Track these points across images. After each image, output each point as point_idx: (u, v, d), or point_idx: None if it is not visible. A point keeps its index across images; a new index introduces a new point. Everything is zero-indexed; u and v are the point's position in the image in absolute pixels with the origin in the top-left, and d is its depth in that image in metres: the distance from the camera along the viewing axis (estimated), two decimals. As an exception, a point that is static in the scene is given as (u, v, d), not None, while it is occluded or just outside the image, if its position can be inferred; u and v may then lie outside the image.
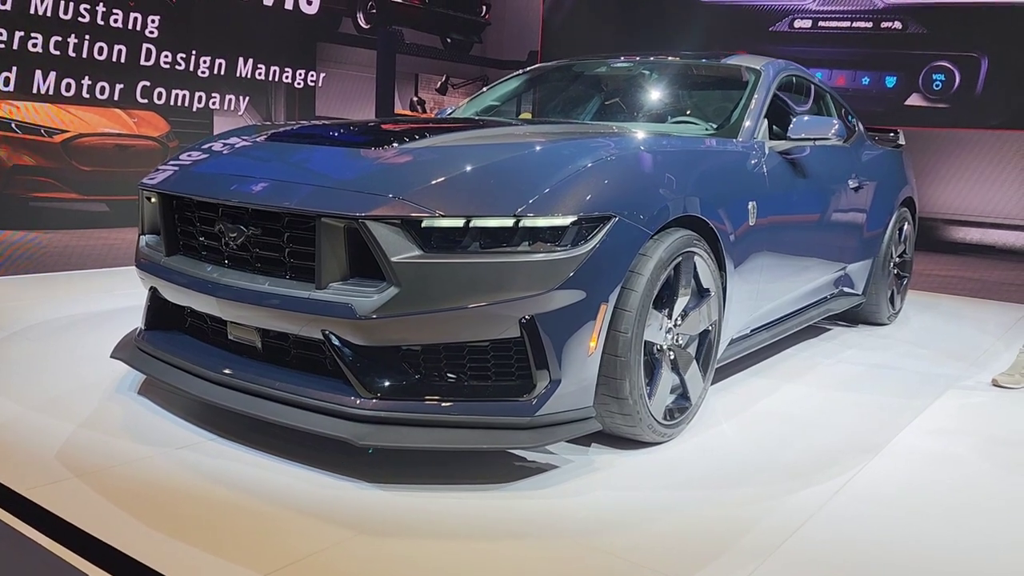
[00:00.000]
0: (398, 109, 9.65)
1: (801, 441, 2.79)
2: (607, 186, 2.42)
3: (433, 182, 2.28)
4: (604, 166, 2.48)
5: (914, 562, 2.01)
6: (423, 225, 2.18)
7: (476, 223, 2.19)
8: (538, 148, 2.61)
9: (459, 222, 2.19)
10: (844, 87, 8.50)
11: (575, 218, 2.27)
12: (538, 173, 2.36)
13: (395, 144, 2.60)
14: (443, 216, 2.18)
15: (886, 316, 4.72)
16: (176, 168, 2.79)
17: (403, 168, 2.42)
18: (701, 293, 2.76)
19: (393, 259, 2.16)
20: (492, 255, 2.20)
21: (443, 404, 2.25)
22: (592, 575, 1.87)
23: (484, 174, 2.36)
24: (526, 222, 2.21)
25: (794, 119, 3.46)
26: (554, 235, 2.25)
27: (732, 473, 2.49)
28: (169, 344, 2.68)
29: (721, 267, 2.86)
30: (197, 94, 7.00)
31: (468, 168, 2.37)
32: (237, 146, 2.84)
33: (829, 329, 4.56)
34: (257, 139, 2.87)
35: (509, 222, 2.21)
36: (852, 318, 4.70)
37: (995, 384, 3.58)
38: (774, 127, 3.61)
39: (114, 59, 6.40)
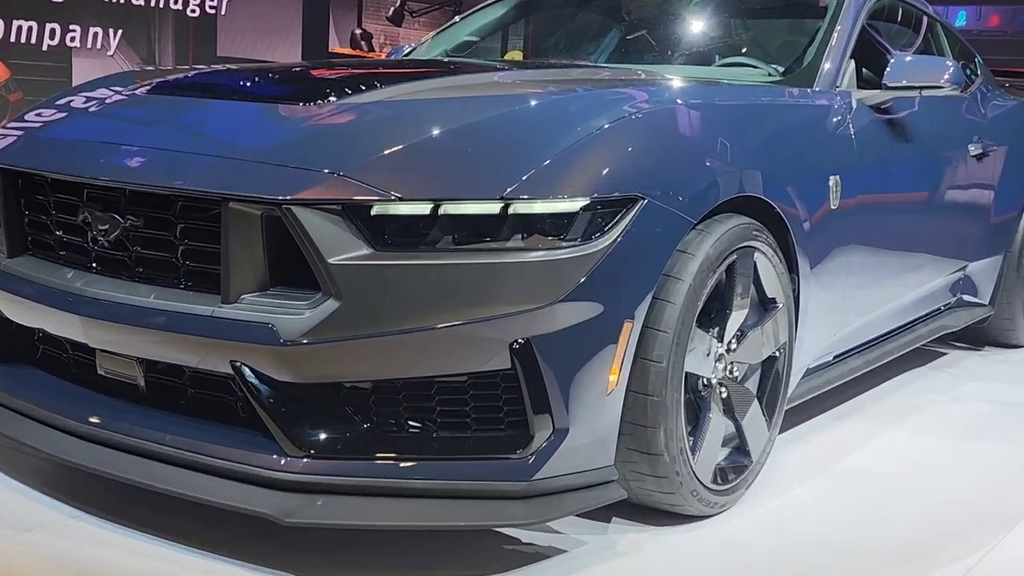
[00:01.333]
0: (334, 47, 9.69)
1: (906, 513, 2.82)
2: (632, 156, 2.45)
3: (386, 152, 2.29)
4: (628, 128, 2.50)
5: None
6: (374, 213, 2.18)
7: (448, 209, 2.20)
8: (534, 103, 2.62)
9: (424, 208, 2.19)
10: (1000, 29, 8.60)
11: (587, 201, 2.28)
12: (535, 139, 2.38)
13: (332, 97, 2.60)
14: (402, 200, 2.18)
15: (1023, 334, 4.79)
16: (21, 134, 2.78)
17: (344, 132, 2.43)
18: (764, 305, 2.78)
19: (331, 260, 2.15)
20: (471, 254, 2.21)
21: (403, 465, 2.25)
22: None
23: (459, 141, 2.37)
24: (519, 208, 2.22)
25: (892, 59, 3.50)
26: (558, 226, 2.26)
27: (810, 560, 2.53)
28: (13, 382, 2.66)
29: (792, 268, 2.89)
30: (48, 27, 7.00)
31: (436, 132, 2.39)
32: (108, 102, 2.84)
33: (945, 354, 4.63)
34: (136, 92, 2.87)
35: (495, 208, 2.21)
36: (977, 338, 4.78)
37: None
38: (864, 71, 3.64)
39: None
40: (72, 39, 7.23)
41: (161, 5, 7.76)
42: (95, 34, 7.36)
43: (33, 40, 7.04)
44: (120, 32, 7.50)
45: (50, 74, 7.08)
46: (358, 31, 10.07)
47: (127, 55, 7.57)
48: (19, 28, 6.93)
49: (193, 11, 7.98)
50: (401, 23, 10.51)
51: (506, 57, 4.69)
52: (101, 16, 7.37)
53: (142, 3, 7.61)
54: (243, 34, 8.47)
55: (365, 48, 10.00)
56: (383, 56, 9.87)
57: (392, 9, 10.41)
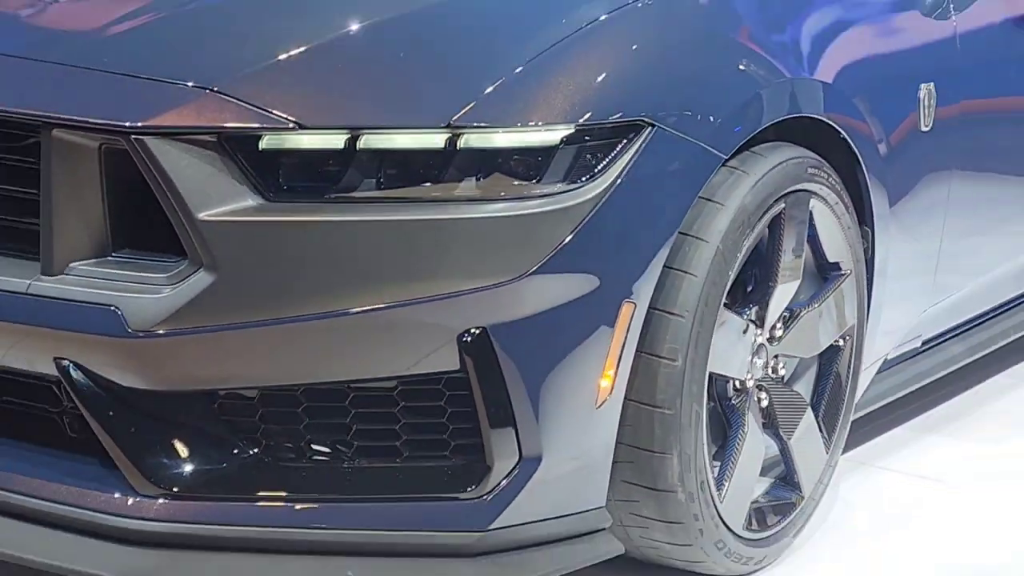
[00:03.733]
0: None
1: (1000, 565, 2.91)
2: (636, 63, 2.49)
3: (282, 58, 2.31)
4: (629, 21, 2.53)
5: None
6: (264, 147, 2.20)
7: (370, 143, 2.22)
8: None
9: (337, 141, 2.21)
10: None
11: (571, 130, 2.30)
12: (497, 40, 2.42)
13: None
14: (304, 129, 2.20)
15: None
16: None
17: (221, 28, 2.45)
18: (824, 273, 2.84)
19: (202, 216, 2.17)
20: (403, 208, 2.25)
21: (302, 508, 2.30)
22: None
23: (388, 43, 2.40)
24: (472, 140, 2.24)
25: None
26: (529, 165, 2.29)
27: None
28: None
29: (864, 220, 2.95)
30: None
31: (354, 29, 2.40)
32: None
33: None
34: None
35: (438, 140, 2.24)
36: None
37: None
38: None
39: None
40: None
41: None
42: None
43: None
44: None
45: None
46: None
47: None
48: None
49: None
50: None
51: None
52: None
53: None
54: None
55: None
56: None
57: None
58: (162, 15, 2.47)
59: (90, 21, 2.52)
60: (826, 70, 2.84)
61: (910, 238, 3.14)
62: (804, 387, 2.87)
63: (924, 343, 3.50)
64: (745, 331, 2.67)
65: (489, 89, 2.27)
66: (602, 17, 2.48)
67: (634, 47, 2.51)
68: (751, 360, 2.69)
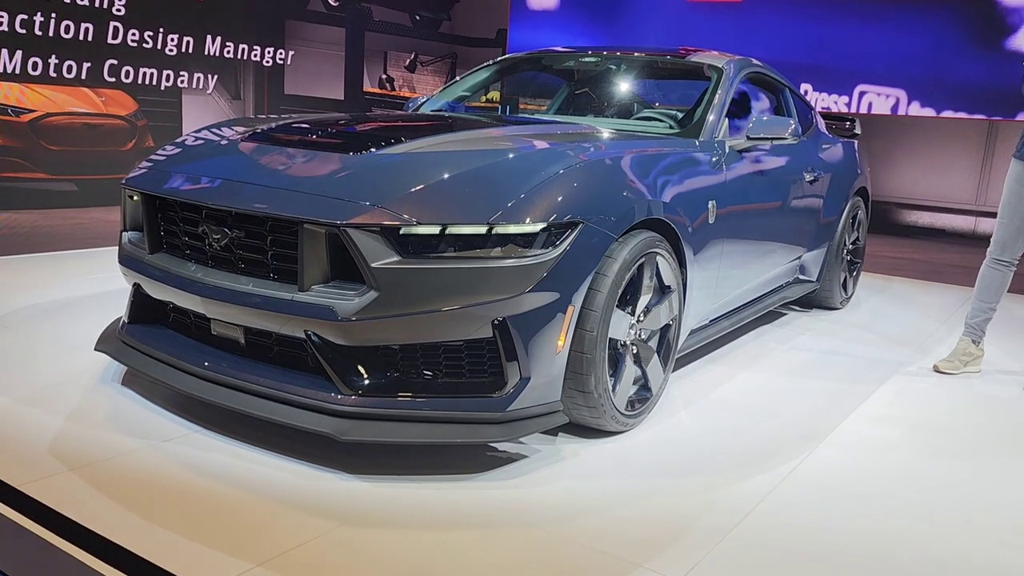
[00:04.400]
0: (367, 87, 9.60)
1: (753, 429, 2.91)
2: (575, 193, 2.47)
3: (411, 190, 2.32)
4: (572, 174, 2.53)
5: (851, 545, 2.15)
6: (401, 232, 2.22)
7: (451, 230, 2.24)
8: (511, 156, 2.63)
9: (435, 229, 2.23)
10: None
11: (545, 225, 2.33)
12: (510, 181, 2.41)
13: (373, 149, 2.63)
14: (420, 224, 2.22)
15: (838, 301, 4.90)
16: (159, 167, 2.80)
17: (382, 175, 2.44)
18: (663, 290, 2.84)
19: (373, 264, 2.20)
20: (466, 260, 2.25)
21: (419, 400, 2.31)
22: (560, 563, 1.97)
23: (459, 182, 2.40)
24: (499, 229, 2.27)
25: (753, 120, 3.54)
26: (525, 241, 2.31)
27: (688, 461, 2.60)
28: (152, 338, 2.71)
29: (682, 264, 2.95)
30: (165, 72, 6.93)
31: (443, 176, 2.41)
32: (219, 145, 2.87)
33: (784, 314, 4.71)
34: (238, 138, 2.88)
35: (483, 229, 2.26)
36: (806, 303, 4.86)
37: (936, 370, 3.75)
38: (736, 120, 3.68)
39: (81, 37, 6.33)
40: (182, 81, 7.14)
41: (245, 57, 7.67)
42: (198, 78, 7.27)
43: (154, 82, 6.95)
44: (216, 76, 7.41)
45: (166, 107, 7.00)
46: (384, 76, 9.96)
47: (220, 92, 7.49)
48: (143, 73, 6.85)
49: (267, 62, 7.89)
50: (415, 70, 10.40)
51: (486, 97, 4.67)
52: (202, 65, 7.29)
53: (231, 56, 7.52)
54: (302, 77, 8.39)
55: (389, 88, 9.90)
56: (404, 96, 9.80)
57: (408, 60, 10.30)
58: (354, 170, 2.48)
59: (320, 170, 2.53)
60: (665, 195, 2.84)
61: (703, 271, 3.13)
62: (653, 343, 2.85)
63: (711, 320, 3.51)
64: (626, 318, 2.67)
65: (508, 205, 2.30)
66: (560, 171, 2.50)
67: (575, 184, 2.50)
68: (628, 331, 2.70)
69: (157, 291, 2.66)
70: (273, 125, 3.04)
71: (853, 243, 4.99)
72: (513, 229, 2.29)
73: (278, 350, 2.46)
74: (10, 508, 2.01)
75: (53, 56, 6.17)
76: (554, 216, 2.36)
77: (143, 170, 2.83)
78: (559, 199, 2.41)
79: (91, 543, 1.88)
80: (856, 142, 5.18)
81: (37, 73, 6.11)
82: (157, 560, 1.83)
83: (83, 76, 6.40)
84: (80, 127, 6.44)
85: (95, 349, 2.87)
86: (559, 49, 4.57)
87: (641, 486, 2.41)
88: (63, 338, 3.38)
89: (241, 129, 3.02)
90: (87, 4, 6.32)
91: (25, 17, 5.97)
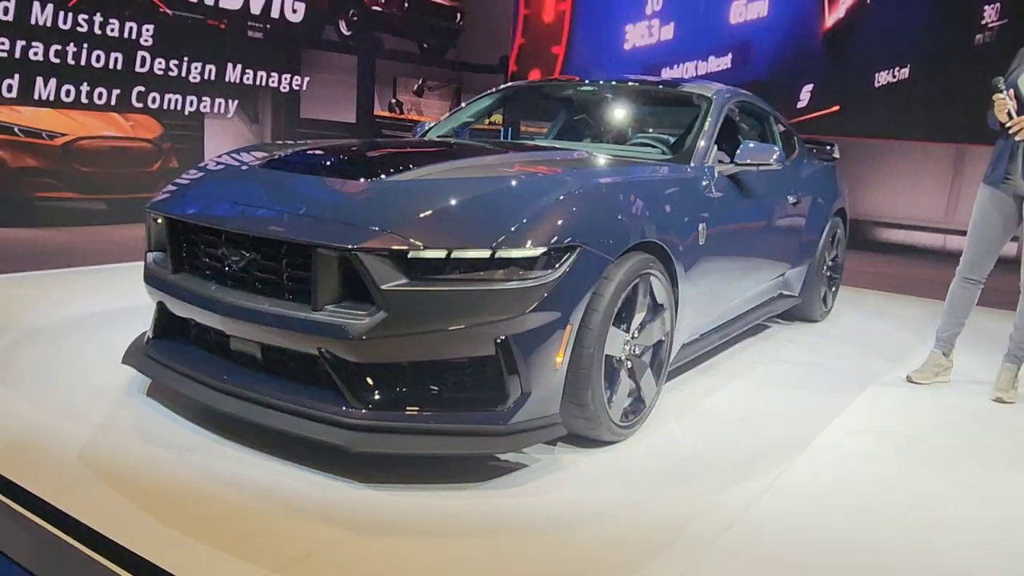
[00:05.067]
0: (378, 111, 9.62)
1: (739, 439, 2.88)
2: (573, 218, 2.45)
3: (418, 216, 2.31)
4: (570, 199, 2.51)
5: (831, 552, 2.13)
6: (409, 256, 2.20)
7: (457, 254, 2.22)
8: (512, 183, 2.61)
9: (441, 253, 2.21)
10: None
11: (545, 249, 2.31)
12: (512, 208, 2.39)
13: (383, 176, 2.61)
14: (427, 248, 2.20)
15: (819, 314, 4.89)
16: (181, 192, 2.79)
17: (391, 201, 2.42)
18: (656, 307, 2.81)
19: (382, 286, 2.18)
20: (471, 283, 2.23)
21: (426, 414, 2.28)
22: (560, 569, 1.95)
23: (464, 208, 2.38)
24: (501, 253, 2.25)
25: (740, 147, 3.52)
26: (527, 264, 2.29)
27: (679, 470, 2.58)
28: (175, 353, 2.69)
29: (674, 283, 2.92)
30: (189, 98, 6.94)
31: (450, 202, 2.40)
32: (238, 172, 2.85)
33: (769, 327, 4.69)
34: (256, 165, 2.86)
35: (486, 253, 2.24)
36: (789, 316, 4.84)
37: (909, 380, 3.73)
38: (724, 145, 3.65)
39: (111, 66, 6.34)
40: (204, 107, 7.15)
41: (263, 84, 7.68)
42: (219, 103, 7.28)
43: (178, 108, 6.97)
44: (236, 102, 7.42)
45: (189, 130, 7.02)
46: (393, 100, 9.98)
47: (240, 117, 7.50)
48: (168, 99, 6.86)
49: (284, 88, 7.91)
50: (422, 95, 10.43)
51: (489, 120, 4.66)
52: (224, 92, 7.30)
53: (251, 82, 7.54)
54: (317, 102, 8.40)
55: (398, 112, 9.92)
56: (411, 116, 9.81)
57: (416, 86, 10.33)
58: (365, 196, 2.47)
59: (333, 196, 2.53)
60: (658, 218, 2.83)
61: (693, 289, 3.11)
62: (647, 358, 2.83)
63: (701, 335, 3.48)
64: (621, 335, 2.64)
65: (510, 230, 2.28)
66: (560, 197, 2.49)
67: (573, 210, 2.49)
68: (623, 347, 2.67)
69: (180, 309, 2.64)
70: (289, 152, 3.02)
71: (832, 260, 4.98)
72: (515, 253, 2.27)
73: (293, 365, 2.43)
74: (37, 516, 1.99)
75: (85, 83, 6.18)
76: (554, 240, 2.34)
77: (167, 195, 2.81)
78: (558, 224, 2.40)
79: (113, 551, 1.86)
80: (835, 166, 5.18)
81: (70, 100, 6.12)
82: (177, 567, 1.81)
83: (112, 102, 6.40)
84: (109, 150, 6.44)
85: (122, 363, 2.84)
86: (558, 78, 4.56)
87: (635, 494, 2.38)
88: (92, 351, 3.35)
89: (259, 155, 3.00)
90: (116, 35, 6.33)
91: (59, 47, 5.98)
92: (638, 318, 2.73)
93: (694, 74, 8.95)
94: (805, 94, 8.50)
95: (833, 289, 5.10)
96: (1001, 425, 3.27)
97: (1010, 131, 3.28)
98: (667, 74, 9.03)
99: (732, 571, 1.99)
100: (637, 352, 2.77)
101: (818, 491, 2.51)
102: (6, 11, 5.64)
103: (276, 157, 2.94)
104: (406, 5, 9.71)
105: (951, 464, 2.83)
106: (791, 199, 4.19)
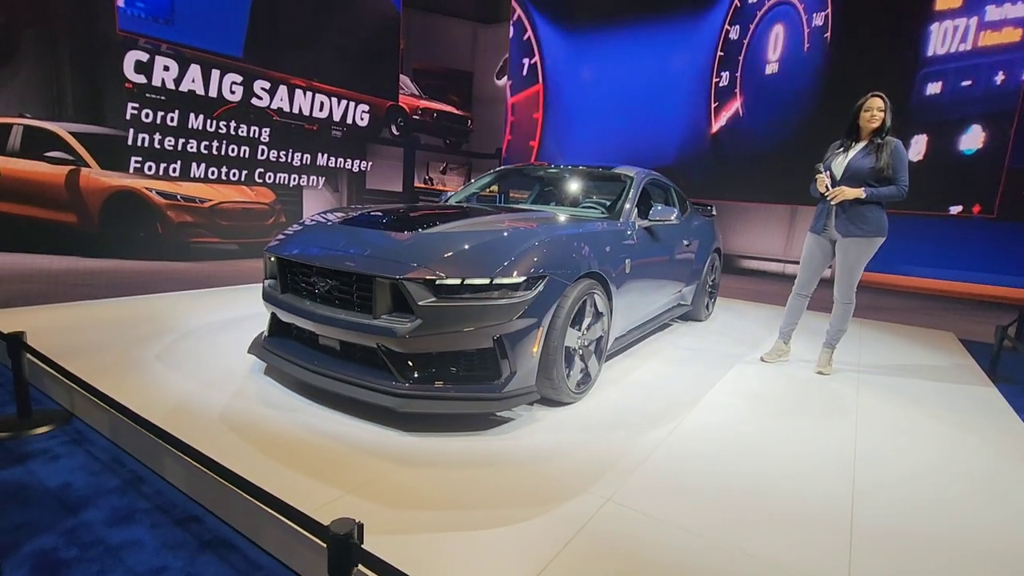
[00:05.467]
0: (417, 183, 9.61)
1: (652, 399, 2.85)
2: (544, 257, 2.43)
3: (443, 256, 2.29)
4: (542, 245, 2.49)
5: (711, 471, 2.12)
6: (436, 283, 2.19)
7: (467, 281, 2.21)
8: (505, 234, 2.54)
9: (457, 281, 2.20)
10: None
11: (525, 278, 2.30)
12: (503, 250, 2.37)
13: (419, 230, 2.58)
14: (448, 278, 2.19)
15: (703, 316, 4.84)
16: (287, 240, 2.75)
17: (424, 247, 2.39)
18: (598, 315, 2.79)
19: (419, 303, 2.17)
20: (477, 300, 2.22)
21: (448, 386, 2.27)
22: (535, 489, 1.94)
23: (472, 251, 2.36)
24: (497, 280, 2.24)
25: (651, 209, 3.49)
26: (513, 287, 2.28)
27: (614, 420, 2.56)
28: (283, 346, 2.66)
29: (609, 298, 2.91)
30: (292, 176, 6.90)
31: (464, 247, 2.37)
32: (324, 227, 2.81)
33: (671, 325, 4.66)
34: (336, 222, 2.82)
35: (487, 281, 2.23)
36: (684, 318, 4.82)
37: (762, 360, 3.72)
38: (641, 208, 3.64)
39: (242, 156, 6.31)
40: (303, 182, 7.12)
41: (341, 166, 7.65)
42: (313, 179, 7.25)
43: (286, 183, 6.93)
44: (323, 178, 7.39)
45: (293, 197, 6.98)
46: (426, 176, 9.99)
47: (326, 188, 7.46)
48: (280, 177, 6.83)
49: (355, 169, 7.87)
50: (446, 173, 10.44)
51: (489, 190, 4.62)
52: (316, 172, 7.27)
53: (334, 166, 7.51)
54: (377, 178, 8.38)
55: (429, 184, 9.93)
56: (439, 189, 9.79)
57: (442, 167, 10.34)
58: (407, 244, 2.43)
59: (386, 243, 2.45)
60: (599, 257, 2.80)
61: (622, 302, 3.09)
62: (592, 347, 2.79)
63: (627, 332, 3.44)
64: (576, 333, 2.61)
65: (503, 265, 2.27)
66: (535, 243, 2.46)
67: (544, 251, 2.46)
68: (577, 340, 2.64)
69: (286, 317, 2.61)
70: (358, 213, 2.99)
71: (712, 281, 4.97)
72: (506, 280, 2.26)
73: (360, 354, 2.41)
74: (192, 459, 1.96)
75: (224, 167, 6.14)
76: (531, 271, 2.33)
77: (277, 241, 2.78)
78: (534, 260, 2.38)
79: (237, 482, 1.83)
80: (713, 220, 5.19)
81: (215, 177, 6.08)
82: (282, 490, 1.79)
83: (242, 179, 6.37)
84: (240, 210, 6.40)
85: (248, 352, 2.81)
86: (534, 163, 4.55)
87: (585, 437, 2.36)
88: (228, 343, 3.30)
89: (338, 215, 2.97)
90: (245, 135, 6.30)
91: (206, 143, 5.96)
92: (586, 321, 2.71)
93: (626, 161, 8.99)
94: (699, 173, 8.55)
95: (713, 299, 5.07)
96: (819, 389, 3.27)
97: (827, 198, 3.31)
98: (607, 160, 9.07)
99: (650, 488, 1.99)
100: (586, 344, 2.75)
101: (705, 431, 2.50)
102: (172, 119, 5.61)
103: (349, 216, 2.91)
104: (435, 115, 9.72)
105: (788, 414, 2.82)
106: (685, 242, 4.18)
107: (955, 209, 6.87)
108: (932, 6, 6.85)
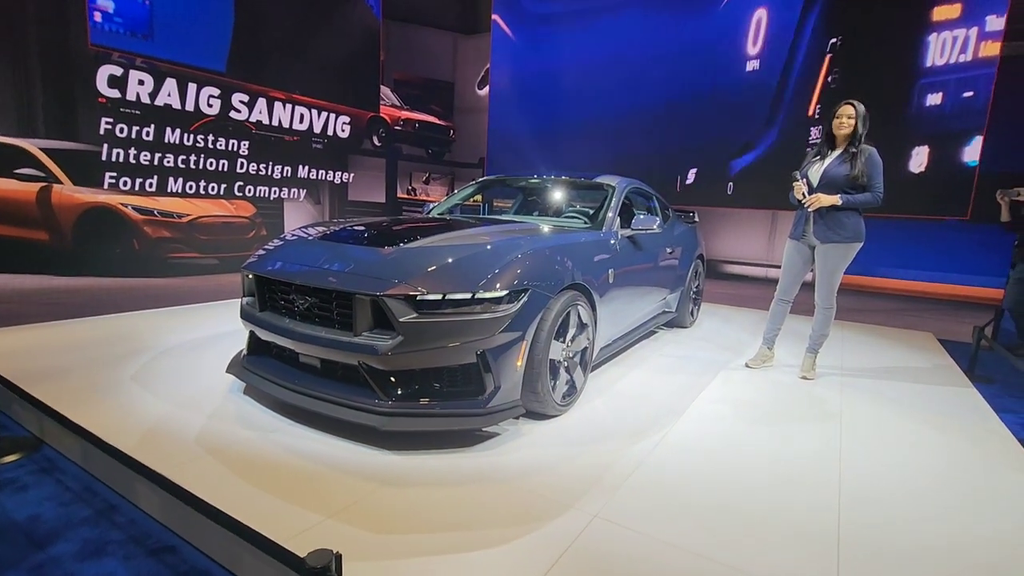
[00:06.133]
0: (399, 194, 9.57)
1: (639, 409, 2.83)
2: (526, 270, 2.41)
3: (425, 270, 2.26)
4: (524, 257, 2.47)
5: (698, 480, 2.10)
6: (417, 299, 2.16)
7: (449, 296, 2.18)
8: (487, 247, 2.51)
9: (439, 296, 2.17)
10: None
11: (508, 291, 2.27)
12: (485, 264, 2.35)
13: (400, 244, 2.55)
14: (429, 293, 2.16)
15: (688, 323, 4.84)
16: (265, 256, 2.70)
17: (404, 262, 2.36)
18: (582, 326, 2.77)
19: (400, 319, 2.13)
20: (459, 315, 2.19)
21: (432, 403, 2.23)
22: (522, 506, 1.91)
23: (454, 266, 2.33)
24: (479, 295, 2.21)
25: (634, 218, 3.49)
26: (496, 301, 2.25)
27: (599, 433, 2.53)
28: (263, 365, 2.60)
29: (593, 309, 2.88)
30: (273, 189, 6.83)
31: (446, 261, 2.34)
32: (303, 242, 2.76)
33: (656, 332, 4.64)
34: (316, 237, 2.78)
35: (468, 295, 2.20)
36: (669, 325, 4.80)
37: (746, 366, 3.72)
38: (623, 216, 3.64)
39: (220, 169, 6.23)
40: (283, 194, 7.04)
41: (323, 178, 7.59)
42: (294, 191, 7.17)
43: (266, 196, 6.85)
44: (304, 191, 7.32)
45: (273, 209, 6.89)
46: (409, 187, 9.95)
47: (307, 200, 7.38)
48: (259, 190, 6.75)
49: (337, 181, 7.81)
50: (429, 183, 10.41)
51: (472, 199, 4.60)
52: (296, 184, 7.20)
53: (315, 177, 7.45)
54: (359, 189, 8.32)
55: (412, 195, 9.89)
56: (422, 200, 9.75)
57: (424, 177, 10.31)
58: (387, 259, 2.39)
59: (367, 258, 2.41)
60: (582, 268, 2.77)
61: (606, 311, 3.07)
62: (577, 358, 2.77)
63: (613, 340, 3.40)
64: (560, 345, 2.59)
65: (485, 279, 2.24)
66: (518, 256, 2.44)
67: (527, 264, 2.44)
68: (561, 353, 2.62)
69: (265, 335, 2.56)
70: (338, 228, 2.95)
71: (696, 287, 4.98)
72: (488, 295, 2.23)
73: (341, 372, 2.36)
74: (163, 489, 1.89)
75: (203, 181, 6.05)
76: (514, 284, 2.30)
77: (255, 258, 2.73)
78: (517, 273, 2.36)
79: (209, 511, 1.77)
80: (696, 226, 5.22)
81: (192, 192, 5.99)
82: (260, 518, 1.73)
83: (221, 192, 6.28)
84: (219, 224, 6.31)
85: (226, 372, 2.75)
86: (516, 175, 4.55)
87: (571, 451, 2.33)
88: (206, 363, 3.22)
89: (318, 230, 2.92)
90: (223, 148, 6.22)
91: (184, 157, 5.87)
92: (571, 333, 2.68)
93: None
94: (691, 176, 8.61)
95: (697, 306, 5.08)
96: (804, 394, 3.28)
97: (804, 205, 3.34)
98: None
99: (638, 501, 1.97)
100: (571, 355, 2.72)
101: (693, 441, 2.48)
102: (148, 134, 5.52)
103: (329, 232, 2.87)
104: (416, 125, 9.69)
105: (774, 421, 2.82)
106: (668, 249, 4.17)
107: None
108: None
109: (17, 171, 4.87)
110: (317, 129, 7.38)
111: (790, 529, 1.87)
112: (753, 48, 7.95)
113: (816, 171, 3.34)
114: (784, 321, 3.73)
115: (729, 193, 8.29)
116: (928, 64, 6.94)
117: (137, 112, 5.42)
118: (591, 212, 3.77)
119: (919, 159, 7.05)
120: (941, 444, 2.61)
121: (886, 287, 7.50)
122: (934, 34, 6.90)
